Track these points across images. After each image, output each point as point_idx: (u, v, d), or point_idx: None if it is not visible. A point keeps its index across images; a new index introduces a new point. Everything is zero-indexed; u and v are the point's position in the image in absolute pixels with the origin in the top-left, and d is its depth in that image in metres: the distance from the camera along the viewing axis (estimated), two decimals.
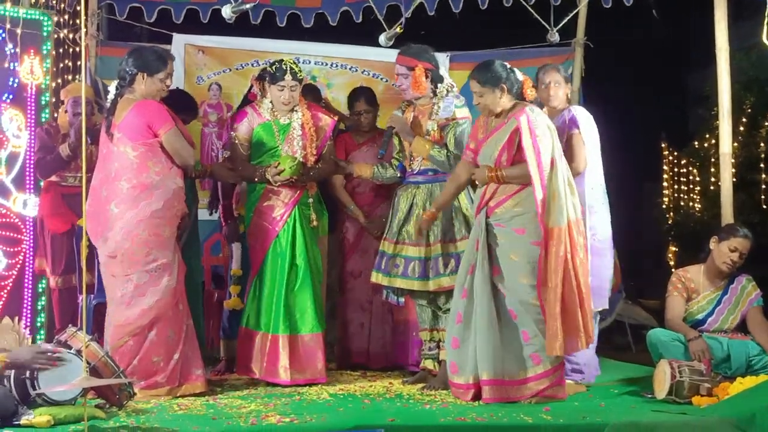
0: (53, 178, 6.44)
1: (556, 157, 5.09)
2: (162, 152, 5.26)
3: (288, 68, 5.73)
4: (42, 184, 6.36)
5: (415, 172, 5.75)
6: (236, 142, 5.87)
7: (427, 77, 5.63)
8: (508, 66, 5.29)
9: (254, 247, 5.85)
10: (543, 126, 5.10)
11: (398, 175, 5.85)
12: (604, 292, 5.60)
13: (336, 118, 6.17)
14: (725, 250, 5.64)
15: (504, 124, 5.20)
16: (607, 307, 5.69)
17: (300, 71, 5.81)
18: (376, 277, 5.78)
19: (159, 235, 5.23)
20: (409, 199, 5.72)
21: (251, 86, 6.51)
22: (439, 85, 5.69)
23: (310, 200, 5.85)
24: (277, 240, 5.75)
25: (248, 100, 6.55)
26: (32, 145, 6.00)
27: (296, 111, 5.85)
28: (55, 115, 6.85)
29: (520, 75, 5.27)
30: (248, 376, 5.75)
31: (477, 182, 5.38)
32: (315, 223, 5.84)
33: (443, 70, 5.77)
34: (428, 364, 5.80)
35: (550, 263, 4.98)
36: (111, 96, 5.35)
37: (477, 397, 5.12)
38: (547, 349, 5.01)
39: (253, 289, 5.81)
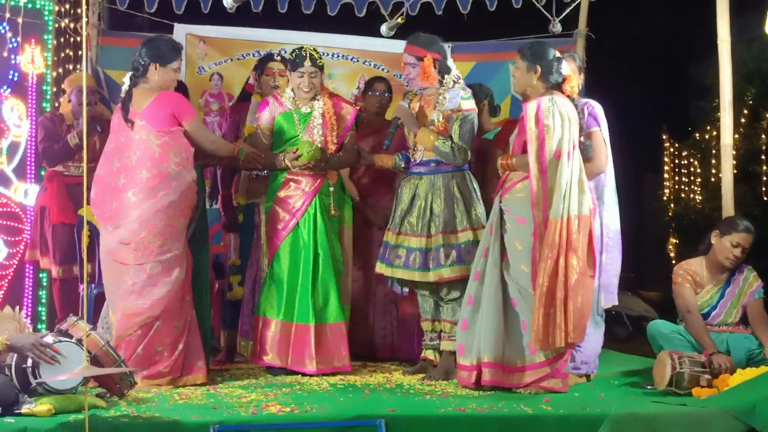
0: (57, 168, 6.44)
1: (565, 148, 5.03)
2: (182, 142, 5.28)
3: (308, 55, 5.74)
4: (45, 173, 6.36)
5: (417, 163, 5.75)
6: (258, 131, 5.90)
7: (435, 67, 5.62)
8: (558, 55, 5.25)
9: (270, 234, 5.84)
10: (556, 116, 5.03)
11: (402, 165, 5.85)
12: (613, 289, 5.57)
13: (358, 108, 6.17)
14: (727, 245, 5.57)
15: None
16: (616, 303, 5.66)
17: (320, 58, 5.81)
18: (380, 268, 5.78)
19: (174, 226, 5.24)
20: (412, 190, 5.72)
21: (248, 77, 6.53)
22: (446, 76, 5.68)
23: (331, 189, 5.84)
24: (297, 229, 5.76)
25: (246, 91, 6.56)
26: (33, 134, 6.00)
27: (318, 100, 5.86)
28: (56, 104, 6.86)
29: (566, 69, 5.22)
30: (267, 364, 5.72)
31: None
32: (334, 212, 5.84)
33: (450, 61, 5.75)
34: (429, 354, 5.80)
35: (541, 255, 4.97)
36: (125, 86, 5.35)
37: (479, 378, 5.14)
38: (531, 343, 5.02)
39: (269, 278, 5.80)
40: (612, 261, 5.54)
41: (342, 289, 5.87)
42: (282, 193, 5.81)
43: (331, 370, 5.68)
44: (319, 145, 5.76)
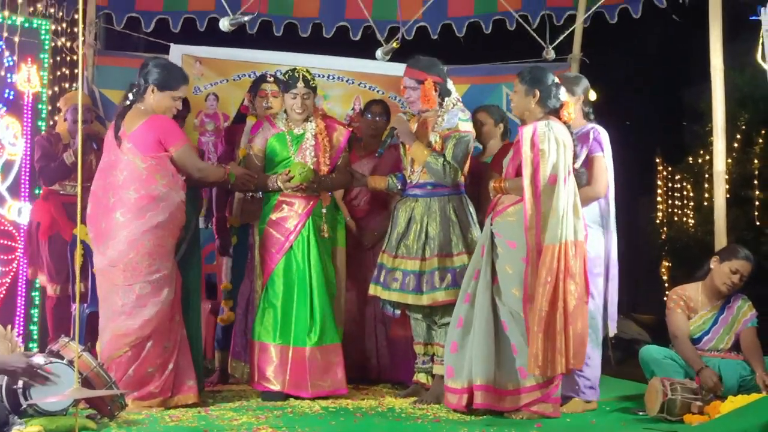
0: (53, 187, 6.45)
1: (561, 174, 5.04)
2: (170, 166, 5.28)
3: (300, 76, 5.77)
4: (41, 192, 6.37)
5: (413, 185, 5.75)
6: (251, 153, 5.91)
7: (435, 91, 5.63)
8: (557, 81, 5.28)
9: (264, 257, 5.84)
10: (552, 141, 5.05)
11: (398, 187, 5.86)
12: (615, 316, 5.58)
13: (351, 130, 6.19)
14: (726, 271, 5.59)
15: None
16: (615, 331, 5.65)
17: (313, 79, 5.84)
18: (375, 290, 5.77)
19: (162, 246, 5.24)
20: (408, 213, 5.71)
21: (243, 99, 6.55)
22: (446, 99, 5.70)
23: (324, 210, 5.85)
24: (291, 252, 5.75)
25: (241, 113, 6.58)
26: (29, 153, 6.01)
27: (310, 121, 5.88)
28: (51, 123, 6.87)
29: (564, 95, 5.25)
30: (266, 389, 5.68)
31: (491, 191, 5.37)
32: (326, 234, 5.83)
33: (450, 84, 5.76)
34: (421, 377, 5.80)
35: (539, 280, 4.98)
36: (126, 102, 5.35)
37: (470, 401, 5.13)
38: (528, 367, 5.01)
39: (263, 301, 5.79)
40: (612, 289, 5.56)
41: (336, 311, 5.86)
42: (275, 216, 5.81)
43: (326, 393, 5.67)
44: (312, 167, 5.77)
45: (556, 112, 5.22)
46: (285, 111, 5.89)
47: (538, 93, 5.22)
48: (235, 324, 6.30)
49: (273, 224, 5.81)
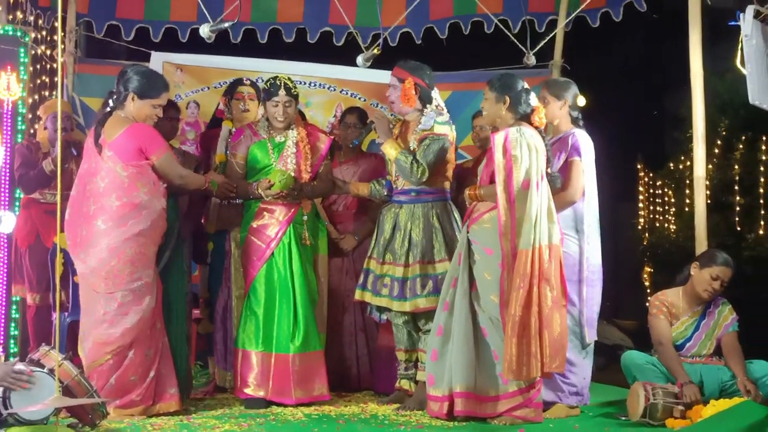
0: (33, 195, 6.42)
1: (533, 179, 5.06)
2: (151, 174, 5.26)
3: (282, 84, 5.75)
4: (21, 200, 6.34)
5: (398, 191, 5.76)
6: (232, 161, 5.88)
7: (415, 92, 5.64)
8: (526, 86, 5.29)
9: (245, 265, 5.82)
10: (524, 146, 5.07)
11: (385, 193, 5.86)
12: (594, 323, 5.57)
13: (333, 137, 6.17)
14: (707, 278, 5.58)
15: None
16: (596, 338, 5.64)
17: (294, 87, 5.82)
18: (362, 296, 5.76)
19: (144, 254, 5.22)
20: (393, 219, 5.72)
21: (218, 104, 6.53)
22: (427, 105, 5.70)
23: (305, 218, 5.84)
24: (272, 259, 5.73)
25: (216, 118, 6.56)
26: (8, 161, 5.98)
27: (292, 129, 5.87)
28: (32, 131, 6.84)
29: (534, 100, 5.26)
30: (249, 397, 5.64)
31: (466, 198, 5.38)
32: (307, 242, 5.82)
33: (435, 93, 5.76)
34: (404, 384, 5.80)
35: (513, 285, 4.98)
36: (106, 109, 5.32)
37: (451, 409, 5.13)
38: (504, 373, 5.01)
39: (246, 309, 5.77)
40: (594, 295, 5.55)
41: (318, 318, 5.85)
42: (256, 223, 5.80)
43: (309, 400, 5.65)
44: (292, 174, 5.75)
45: (527, 118, 5.24)
46: (267, 119, 5.87)
47: (508, 99, 5.23)
48: (215, 332, 6.27)
49: (254, 232, 5.80)
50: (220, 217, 6.28)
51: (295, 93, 5.83)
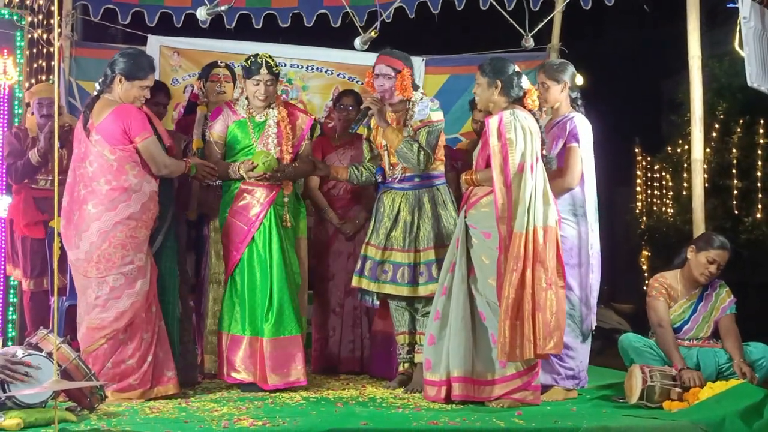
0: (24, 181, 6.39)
1: (528, 161, 5.05)
2: (140, 156, 5.24)
3: (263, 62, 5.64)
4: (13, 186, 6.32)
5: (398, 179, 5.72)
6: (211, 140, 5.79)
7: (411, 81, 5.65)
8: (517, 70, 5.27)
9: (228, 247, 5.75)
10: (518, 129, 5.06)
11: (374, 179, 5.84)
12: (594, 309, 5.56)
13: (314, 117, 6.13)
14: (703, 261, 5.59)
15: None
16: (596, 323, 5.63)
17: (276, 65, 5.70)
18: (359, 282, 5.73)
19: (135, 237, 5.21)
20: (394, 205, 5.70)
21: (192, 87, 6.48)
22: (414, 93, 5.70)
23: (286, 199, 5.75)
24: (253, 242, 5.65)
25: (191, 102, 6.50)
26: (3, 148, 5.96)
27: (272, 108, 5.76)
28: (29, 116, 6.80)
29: (526, 83, 5.25)
30: (237, 381, 5.62)
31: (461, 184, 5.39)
32: (288, 223, 5.76)
33: (418, 79, 5.76)
34: (407, 367, 5.80)
35: (508, 267, 4.98)
36: (94, 93, 5.32)
37: (449, 394, 5.14)
38: (498, 355, 5.03)
39: (228, 291, 5.72)
40: (595, 281, 5.56)
41: (300, 301, 5.79)
42: (237, 205, 5.70)
43: (284, 385, 5.54)
44: (275, 155, 5.72)
45: (520, 101, 5.24)
46: (246, 97, 5.77)
47: (500, 83, 5.22)
48: (200, 319, 6.23)
49: (235, 213, 5.70)
50: (199, 201, 6.18)
51: (277, 71, 5.71)
